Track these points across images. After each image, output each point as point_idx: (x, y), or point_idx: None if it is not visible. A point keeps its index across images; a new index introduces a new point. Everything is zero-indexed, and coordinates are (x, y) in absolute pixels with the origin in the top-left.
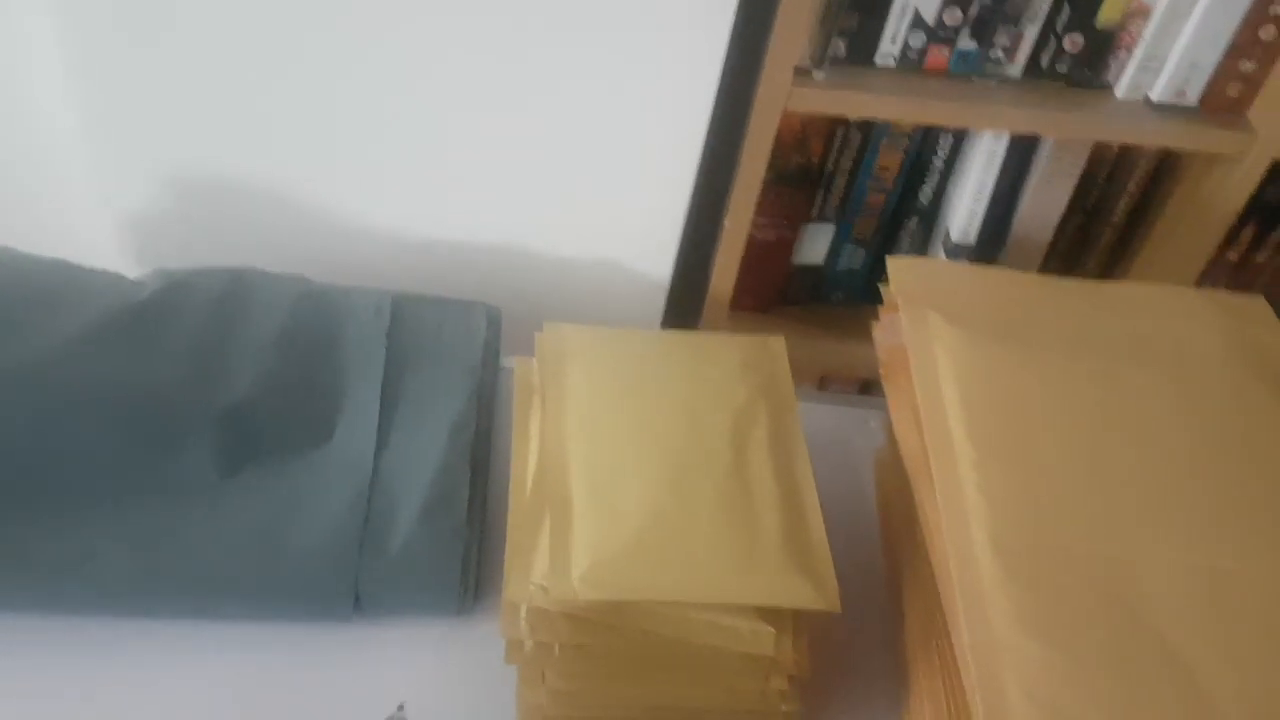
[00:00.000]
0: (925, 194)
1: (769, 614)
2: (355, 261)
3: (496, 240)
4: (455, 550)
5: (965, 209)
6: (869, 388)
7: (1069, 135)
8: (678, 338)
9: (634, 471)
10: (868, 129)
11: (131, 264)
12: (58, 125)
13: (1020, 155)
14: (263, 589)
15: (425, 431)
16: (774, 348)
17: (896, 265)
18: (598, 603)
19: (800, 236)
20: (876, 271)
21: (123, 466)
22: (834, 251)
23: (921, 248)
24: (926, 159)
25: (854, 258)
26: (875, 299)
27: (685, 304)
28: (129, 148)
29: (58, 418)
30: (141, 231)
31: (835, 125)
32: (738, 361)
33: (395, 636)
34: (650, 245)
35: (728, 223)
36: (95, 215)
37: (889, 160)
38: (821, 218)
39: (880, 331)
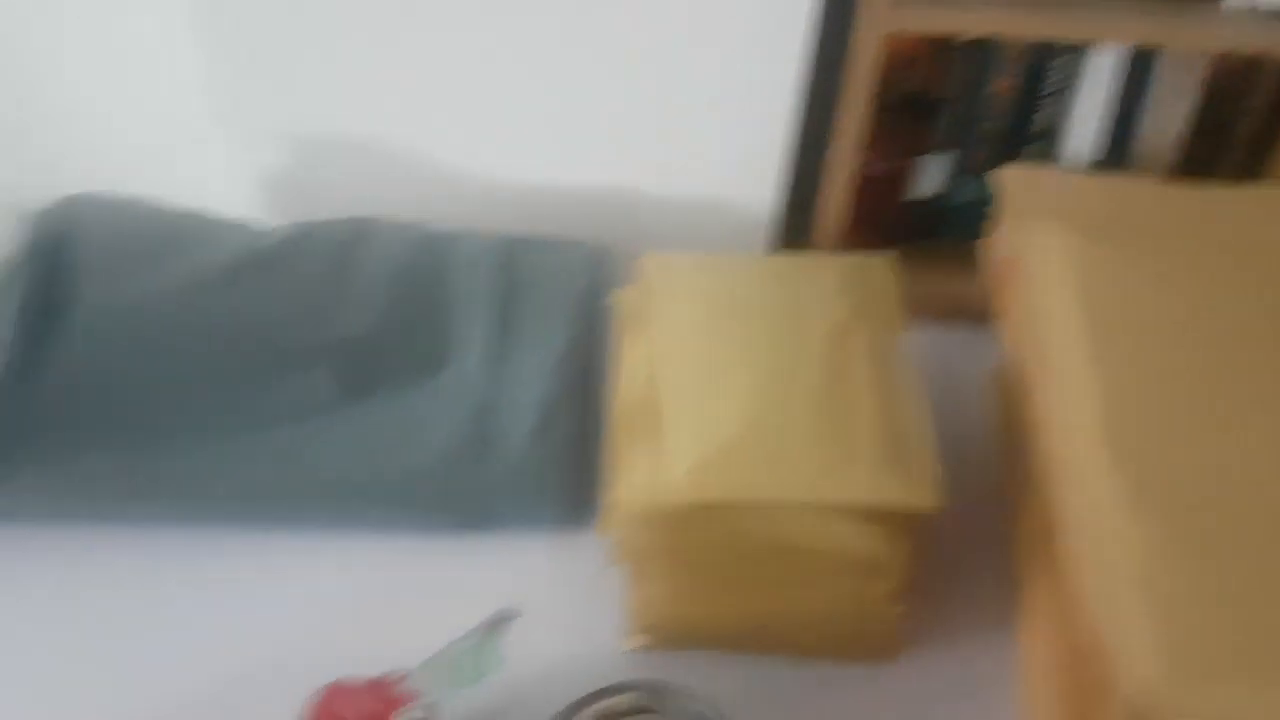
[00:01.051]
0: (1041, 119)
1: (871, 515)
2: (465, 208)
3: (599, 183)
4: (564, 464)
5: (1083, 131)
6: (987, 319)
7: (1187, 45)
8: (777, 260)
9: (730, 381)
10: (979, 52)
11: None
12: (192, 92)
13: (1138, 71)
14: (384, 502)
15: (534, 360)
16: (878, 266)
17: (1006, 176)
18: (698, 504)
19: (913, 169)
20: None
21: (252, 392)
22: (950, 184)
23: None
24: (1041, 81)
25: (970, 190)
26: None
27: (794, 243)
28: (256, 110)
29: (193, 348)
30: (269, 190)
31: (945, 50)
32: (837, 279)
33: (509, 546)
34: (753, 182)
35: (834, 154)
36: (227, 177)
37: (1002, 85)
38: (935, 148)
39: (991, 245)
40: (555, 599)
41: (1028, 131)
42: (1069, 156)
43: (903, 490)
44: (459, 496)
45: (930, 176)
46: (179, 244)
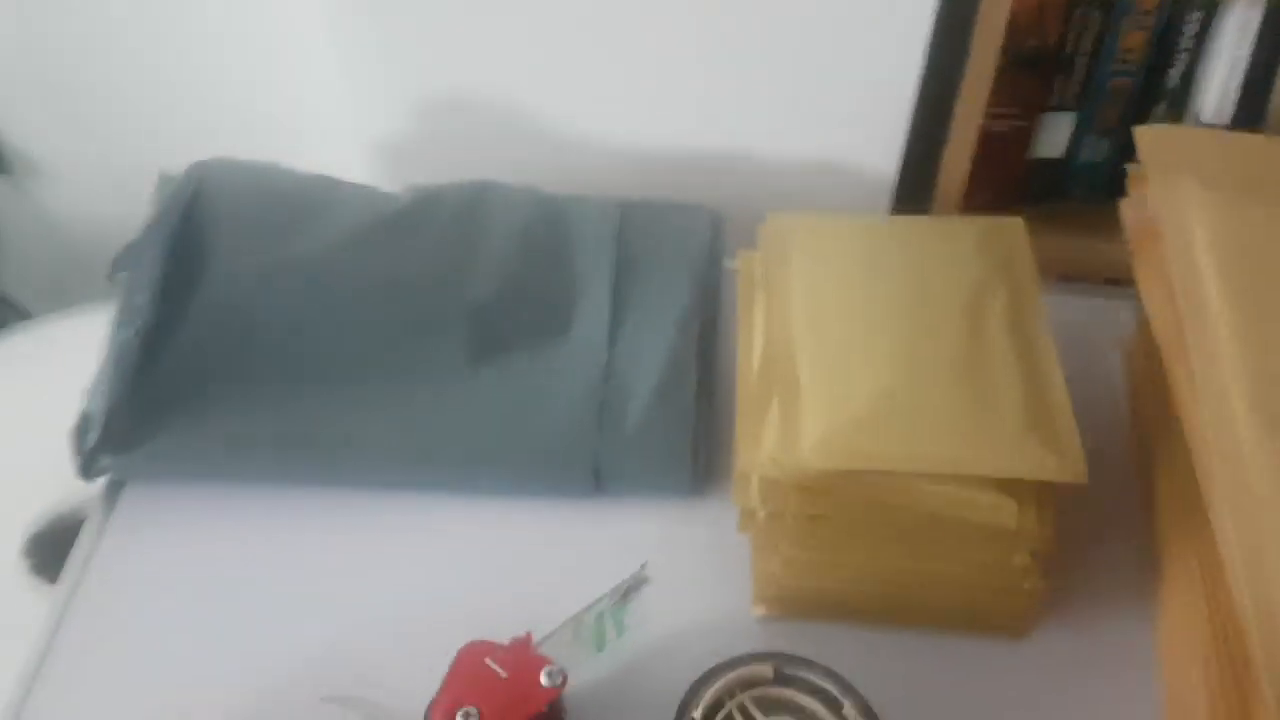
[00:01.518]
0: (1174, 75)
1: (1011, 486)
2: (581, 174)
3: (716, 145)
4: (686, 429)
5: (1218, 87)
6: (1114, 282)
7: None
8: (907, 222)
9: (863, 346)
10: (1109, 5)
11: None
12: (314, 61)
13: (1275, 27)
14: (511, 466)
15: (653, 325)
16: (1011, 228)
17: (1146, 134)
18: (829, 472)
19: (1037, 127)
20: (1121, 164)
21: (385, 354)
22: (1075, 143)
23: None
24: (1174, 36)
25: (1097, 149)
26: (1120, 193)
27: (912, 204)
28: (376, 77)
29: (328, 309)
30: (389, 156)
31: (1073, 3)
32: (971, 241)
33: (633, 512)
34: (875, 141)
35: (959, 111)
36: (349, 143)
37: (1133, 40)
38: (1061, 106)
39: (1129, 207)
40: (681, 565)
41: (1159, 89)
42: (1201, 114)
43: (1047, 461)
44: (584, 461)
45: (1055, 135)
46: (309, 208)
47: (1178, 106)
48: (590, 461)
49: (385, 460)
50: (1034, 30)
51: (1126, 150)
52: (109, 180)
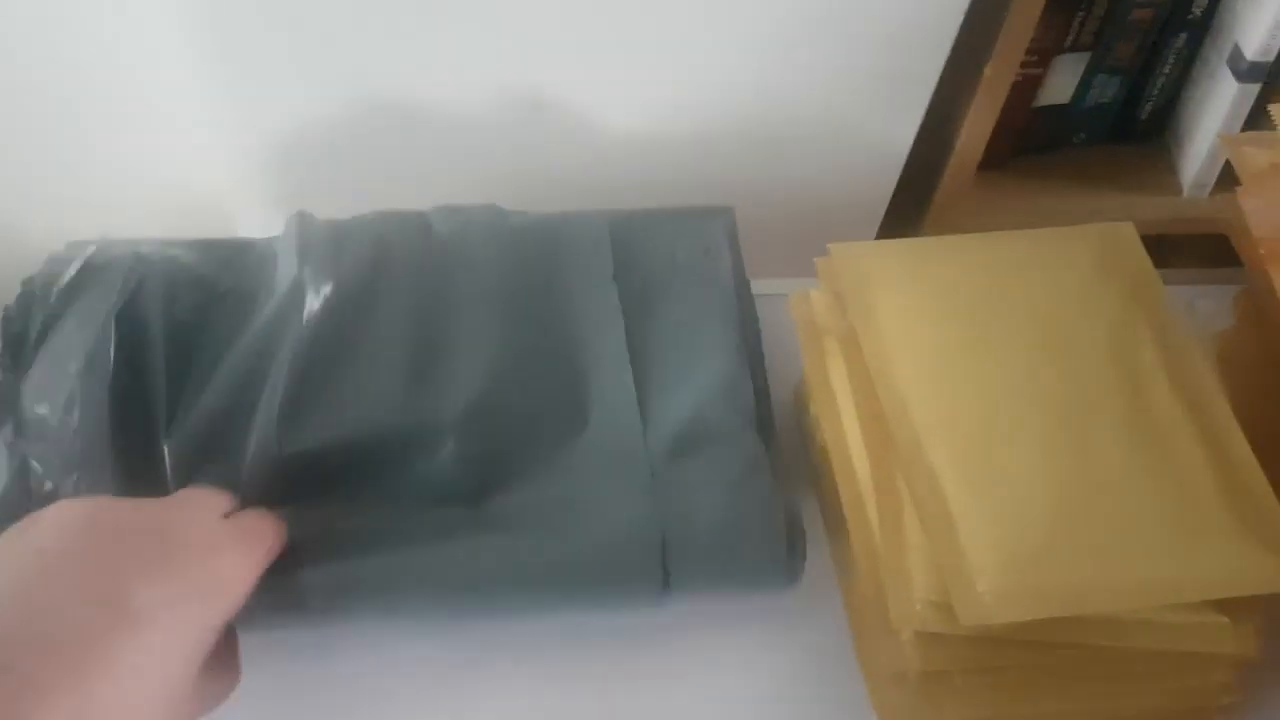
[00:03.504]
0: (1200, 2)
1: (1228, 601)
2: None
3: (704, 115)
4: (762, 521)
5: (1267, 20)
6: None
7: None
8: (1001, 241)
9: (1007, 428)
10: None
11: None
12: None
13: None
14: (560, 588)
15: (689, 391)
16: (1125, 237)
17: None
18: (1014, 624)
19: (1049, 72)
20: (1128, 105)
21: (387, 477)
22: (1083, 85)
23: (1185, 69)
24: None
25: (1105, 89)
26: (1124, 138)
27: (920, 168)
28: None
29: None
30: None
31: None
32: (1091, 263)
33: (712, 619)
34: (896, 106)
35: (992, 66)
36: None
37: None
38: (1075, 46)
39: (1250, 199)
40: (773, 677)
41: (1180, 20)
42: (1244, 49)
43: (1267, 566)
44: (646, 578)
45: (1063, 80)
46: (230, 303)
47: (1195, 40)
48: (657, 571)
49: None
50: None
51: (1135, 91)
52: None
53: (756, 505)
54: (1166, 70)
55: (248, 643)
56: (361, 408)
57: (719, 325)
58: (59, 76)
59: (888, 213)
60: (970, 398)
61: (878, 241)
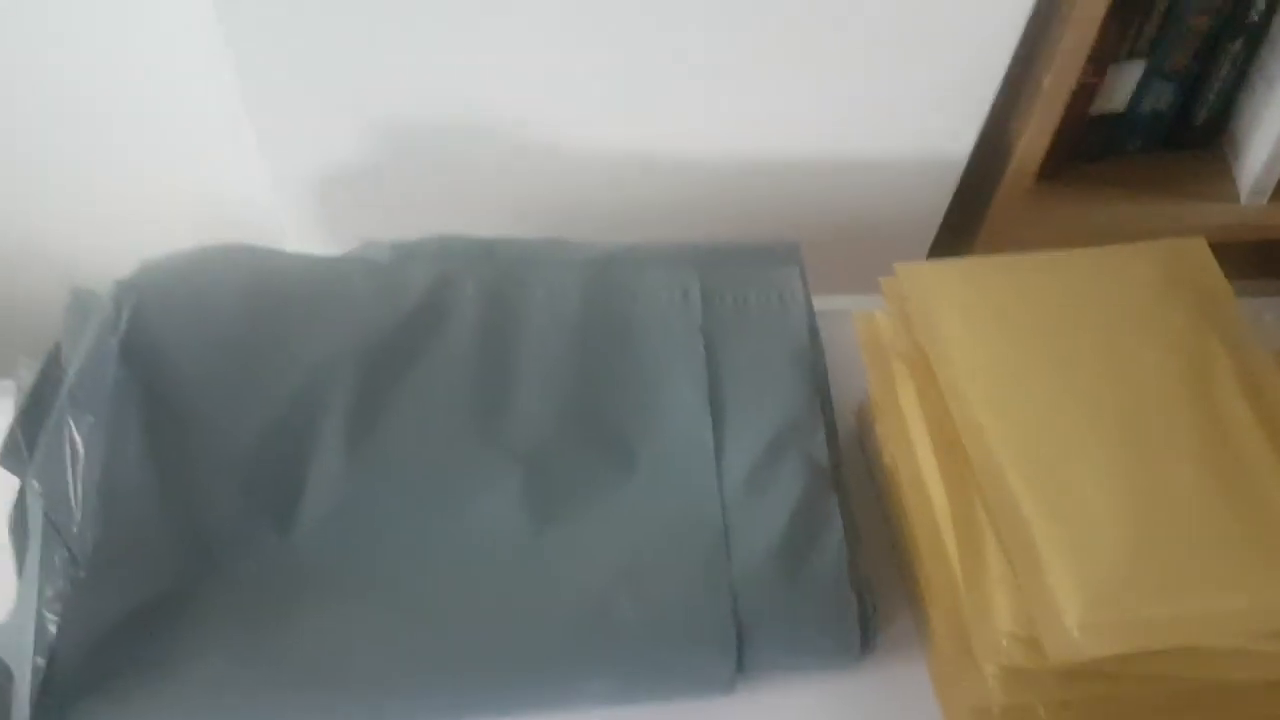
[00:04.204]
0: (1259, 6)
1: None
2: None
3: (763, 139)
4: (839, 588)
5: None
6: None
7: None
8: (1069, 259)
9: (1081, 452)
10: None
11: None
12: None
13: None
14: (620, 666)
15: (762, 443)
16: (1196, 253)
17: None
18: (1101, 659)
19: (1105, 81)
20: (1184, 112)
21: (438, 521)
22: (1138, 92)
23: (1242, 74)
24: None
25: (1161, 96)
26: (1180, 145)
27: (974, 179)
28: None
29: (334, 483)
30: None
31: None
32: (1161, 279)
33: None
34: (955, 119)
35: (1050, 78)
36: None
37: None
38: (1132, 54)
39: None
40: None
41: (1237, 25)
42: None
43: None
44: (717, 661)
45: (1120, 88)
46: (302, 318)
47: (1253, 44)
48: (729, 652)
49: (433, 689)
50: None
51: (1190, 97)
52: None
53: (831, 583)
54: (1223, 76)
55: None
56: (428, 438)
57: (791, 375)
58: (113, 106)
59: (941, 224)
60: (1043, 422)
61: (943, 261)
